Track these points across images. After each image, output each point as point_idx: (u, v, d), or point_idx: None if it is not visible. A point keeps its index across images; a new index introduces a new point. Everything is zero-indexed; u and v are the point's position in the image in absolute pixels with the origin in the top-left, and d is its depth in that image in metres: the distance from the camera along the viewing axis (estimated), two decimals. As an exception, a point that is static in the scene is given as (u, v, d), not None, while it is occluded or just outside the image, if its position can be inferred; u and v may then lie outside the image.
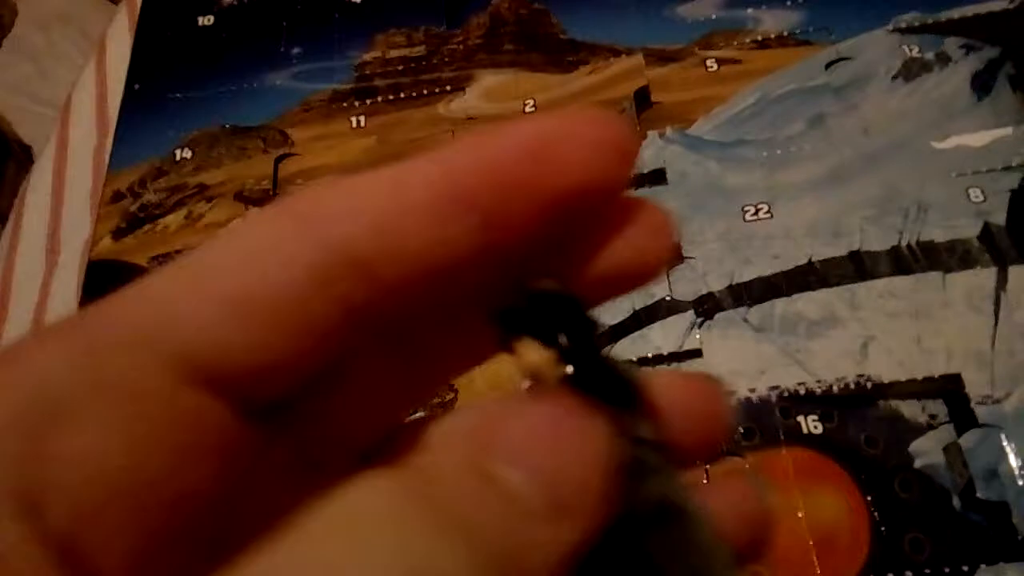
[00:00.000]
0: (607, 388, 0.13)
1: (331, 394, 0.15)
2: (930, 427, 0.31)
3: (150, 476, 0.12)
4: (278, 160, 0.41)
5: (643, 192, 0.37)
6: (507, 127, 0.13)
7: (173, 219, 0.41)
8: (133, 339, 0.12)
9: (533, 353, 0.13)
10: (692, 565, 0.13)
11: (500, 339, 0.13)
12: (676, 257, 0.35)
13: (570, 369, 0.12)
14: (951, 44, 0.39)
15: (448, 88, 0.42)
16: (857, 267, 0.34)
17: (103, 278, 0.40)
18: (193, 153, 0.42)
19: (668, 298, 0.34)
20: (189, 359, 0.12)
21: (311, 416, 0.15)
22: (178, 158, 0.42)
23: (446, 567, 0.11)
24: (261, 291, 0.13)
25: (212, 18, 0.46)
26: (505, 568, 0.11)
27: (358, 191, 0.14)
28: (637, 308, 0.34)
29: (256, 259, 0.13)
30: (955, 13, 0.39)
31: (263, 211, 0.14)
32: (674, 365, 0.33)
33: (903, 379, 0.31)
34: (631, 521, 0.12)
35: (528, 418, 0.12)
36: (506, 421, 0.12)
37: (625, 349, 0.33)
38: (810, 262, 0.34)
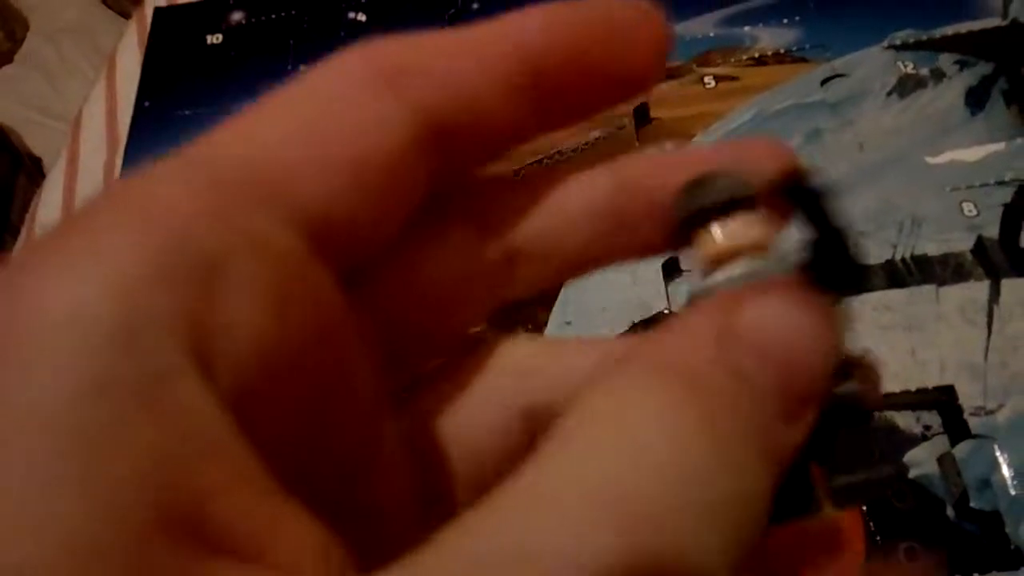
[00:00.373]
0: (838, 270, 0.12)
1: (406, 269, 0.14)
2: (924, 437, 0.31)
3: (296, 351, 0.11)
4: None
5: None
6: (576, 7, 0.14)
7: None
8: (262, 195, 0.11)
9: (729, 237, 0.12)
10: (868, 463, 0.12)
11: (681, 228, 0.13)
12: (676, 268, 0.36)
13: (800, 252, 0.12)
14: (945, 60, 0.40)
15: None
16: (852, 280, 0.34)
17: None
18: (202, 168, 0.43)
19: (666, 311, 0.35)
20: (311, 222, 0.12)
21: (390, 294, 0.14)
22: (187, 173, 0.43)
23: (718, 473, 0.10)
24: (365, 156, 0.12)
25: (220, 36, 0.47)
26: (759, 466, 0.11)
27: (444, 49, 0.13)
28: (636, 321, 0.35)
29: (355, 119, 0.12)
30: (949, 30, 0.40)
31: (347, 58, 0.13)
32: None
33: (897, 390, 0.32)
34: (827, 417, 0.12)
35: (770, 309, 0.11)
36: (747, 313, 0.11)
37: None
38: (806, 275, 0.35)
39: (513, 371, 0.15)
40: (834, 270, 0.12)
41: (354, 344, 0.13)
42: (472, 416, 0.15)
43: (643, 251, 0.15)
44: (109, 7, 1.22)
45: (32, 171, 1.04)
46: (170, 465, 0.09)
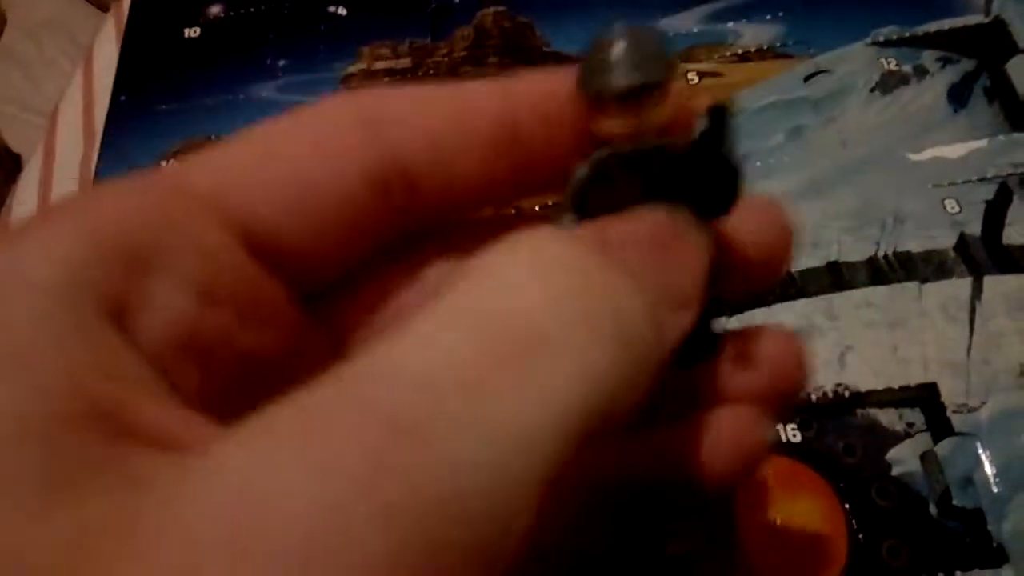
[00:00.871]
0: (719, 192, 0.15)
1: (366, 290, 0.16)
2: (907, 435, 0.31)
3: (218, 330, 0.13)
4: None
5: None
6: (560, 78, 0.15)
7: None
8: (203, 202, 0.13)
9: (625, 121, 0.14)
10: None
11: (591, 104, 0.14)
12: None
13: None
14: (928, 57, 0.40)
15: (433, 100, 0.43)
16: (835, 277, 0.34)
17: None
18: (179, 164, 0.43)
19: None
20: (251, 230, 0.14)
21: (347, 312, 0.16)
22: (164, 169, 0.43)
23: (630, 308, 0.12)
24: (322, 184, 0.14)
25: (198, 30, 0.46)
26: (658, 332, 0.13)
27: (423, 104, 0.15)
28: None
29: (321, 151, 0.14)
30: (932, 27, 0.40)
31: (332, 101, 0.15)
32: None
33: (880, 388, 0.32)
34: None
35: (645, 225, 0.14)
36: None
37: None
38: (789, 273, 0.34)
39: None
40: (715, 188, 0.14)
41: (308, 350, 0.15)
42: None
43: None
44: (88, 1, 1.21)
45: (11, 167, 1.03)
46: (95, 375, 0.11)
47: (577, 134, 0.15)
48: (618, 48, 0.14)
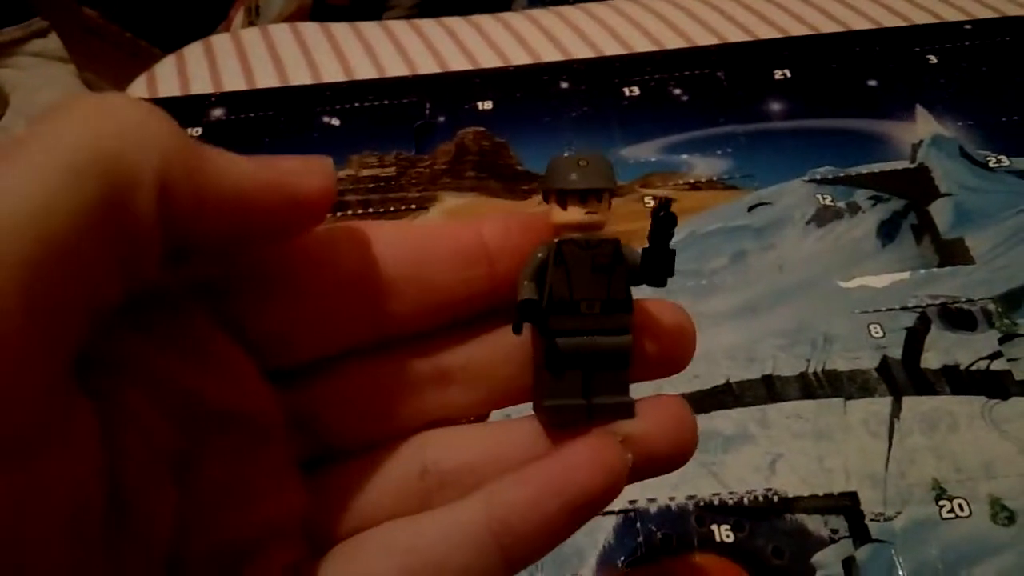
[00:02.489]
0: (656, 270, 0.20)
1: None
2: (832, 540, 0.33)
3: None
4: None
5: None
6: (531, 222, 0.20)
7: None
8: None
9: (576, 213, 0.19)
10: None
11: (555, 199, 0.19)
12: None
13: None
14: (861, 195, 0.44)
15: (413, 207, 0.46)
16: (769, 390, 0.37)
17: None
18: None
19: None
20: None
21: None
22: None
23: None
24: None
25: (200, 129, 0.50)
26: None
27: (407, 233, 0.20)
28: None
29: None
30: (864, 169, 0.45)
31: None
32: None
33: (807, 495, 0.34)
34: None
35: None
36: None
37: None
38: (727, 383, 0.37)
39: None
40: (656, 268, 0.19)
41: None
42: None
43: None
44: (91, 89, 1.25)
45: None
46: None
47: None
48: (575, 161, 0.19)
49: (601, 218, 0.19)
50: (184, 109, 0.51)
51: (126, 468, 0.15)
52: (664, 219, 0.19)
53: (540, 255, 0.19)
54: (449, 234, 0.20)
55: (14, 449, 0.13)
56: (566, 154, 0.19)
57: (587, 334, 0.19)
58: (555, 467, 0.19)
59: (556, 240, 0.19)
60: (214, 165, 0.16)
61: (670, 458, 0.20)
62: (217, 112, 0.51)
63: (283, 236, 0.18)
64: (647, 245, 0.19)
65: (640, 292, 0.20)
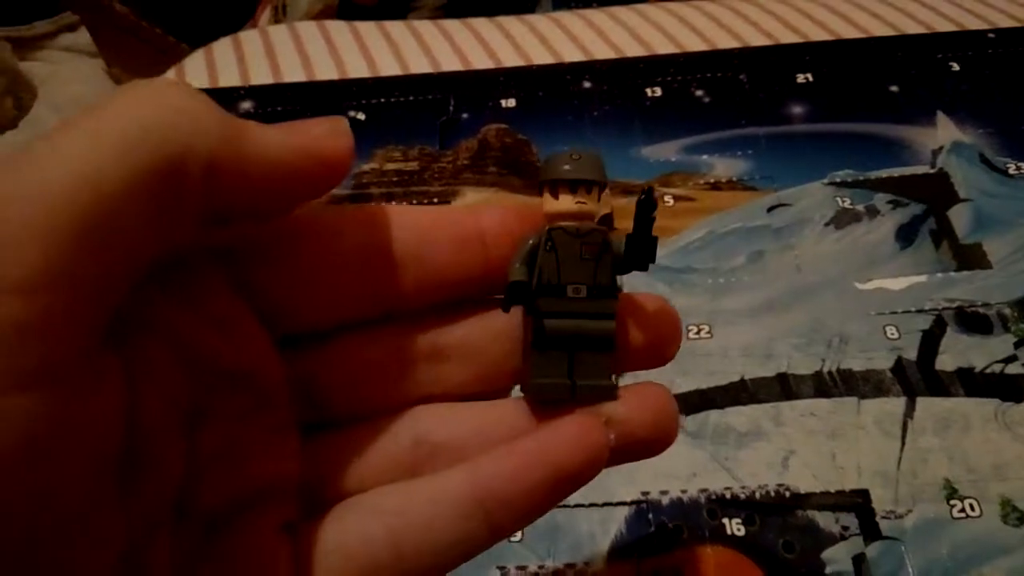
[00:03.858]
0: (639, 255, 0.21)
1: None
2: (842, 537, 0.34)
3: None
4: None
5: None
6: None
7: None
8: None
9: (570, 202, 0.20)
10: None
11: (548, 189, 0.21)
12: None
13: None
14: (880, 199, 0.44)
15: (436, 200, 0.47)
16: (783, 388, 0.38)
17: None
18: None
19: (614, 402, 0.37)
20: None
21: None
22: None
23: None
24: None
25: (229, 122, 0.51)
26: None
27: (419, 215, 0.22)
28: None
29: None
30: (883, 173, 0.45)
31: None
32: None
33: (818, 491, 0.35)
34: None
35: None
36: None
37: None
38: (742, 380, 0.38)
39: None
40: (639, 253, 0.21)
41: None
42: None
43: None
44: (119, 84, 1.27)
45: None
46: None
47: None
48: (569, 155, 0.21)
49: (591, 208, 0.20)
50: (215, 100, 0.52)
51: (143, 414, 0.17)
52: (644, 203, 0.20)
53: (532, 241, 0.20)
54: (449, 219, 0.21)
55: (60, 376, 0.14)
56: (562, 149, 0.21)
57: (573, 317, 0.20)
58: (539, 441, 0.20)
59: (548, 227, 0.20)
60: (254, 138, 0.17)
61: (650, 442, 0.21)
62: (245, 105, 0.52)
63: (313, 195, 0.19)
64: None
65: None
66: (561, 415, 0.20)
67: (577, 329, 0.20)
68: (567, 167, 0.20)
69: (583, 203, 0.20)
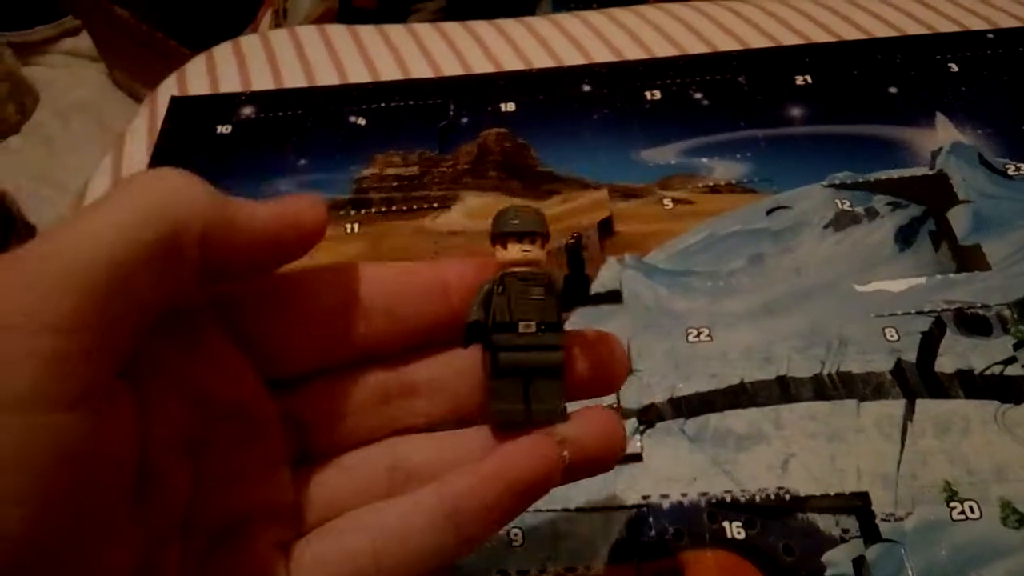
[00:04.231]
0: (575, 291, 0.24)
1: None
2: (842, 540, 0.34)
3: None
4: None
5: (600, 309, 0.41)
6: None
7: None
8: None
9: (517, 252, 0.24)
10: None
11: (498, 240, 0.24)
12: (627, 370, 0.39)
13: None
14: (879, 201, 0.44)
15: (436, 205, 0.47)
16: (783, 390, 0.38)
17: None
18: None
19: (615, 406, 0.38)
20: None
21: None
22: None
23: None
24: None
25: (230, 127, 0.51)
26: None
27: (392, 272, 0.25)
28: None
29: None
30: (882, 175, 0.45)
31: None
32: (615, 467, 0.36)
33: (818, 494, 0.35)
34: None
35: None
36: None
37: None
38: (742, 383, 0.38)
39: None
40: (574, 292, 0.24)
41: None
42: None
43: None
44: (120, 88, 1.28)
45: (25, 238, 1.07)
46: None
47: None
48: (515, 211, 0.24)
49: (535, 256, 0.24)
50: (215, 107, 0.52)
51: (153, 440, 0.20)
52: (573, 250, 0.25)
53: (487, 287, 0.24)
54: (416, 274, 0.24)
55: (93, 400, 0.18)
56: (508, 208, 0.24)
57: (525, 350, 0.23)
58: (499, 459, 0.22)
59: (501, 274, 0.24)
60: (240, 213, 0.21)
61: (600, 459, 0.24)
62: (247, 111, 0.52)
63: (292, 258, 0.22)
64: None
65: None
66: (519, 437, 0.23)
67: (529, 359, 0.23)
68: (514, 222, 0.24)
69: (528, 251, 0.24)
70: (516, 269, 0.24)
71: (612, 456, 0.24)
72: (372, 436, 0.24)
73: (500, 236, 0.24)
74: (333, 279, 0.24)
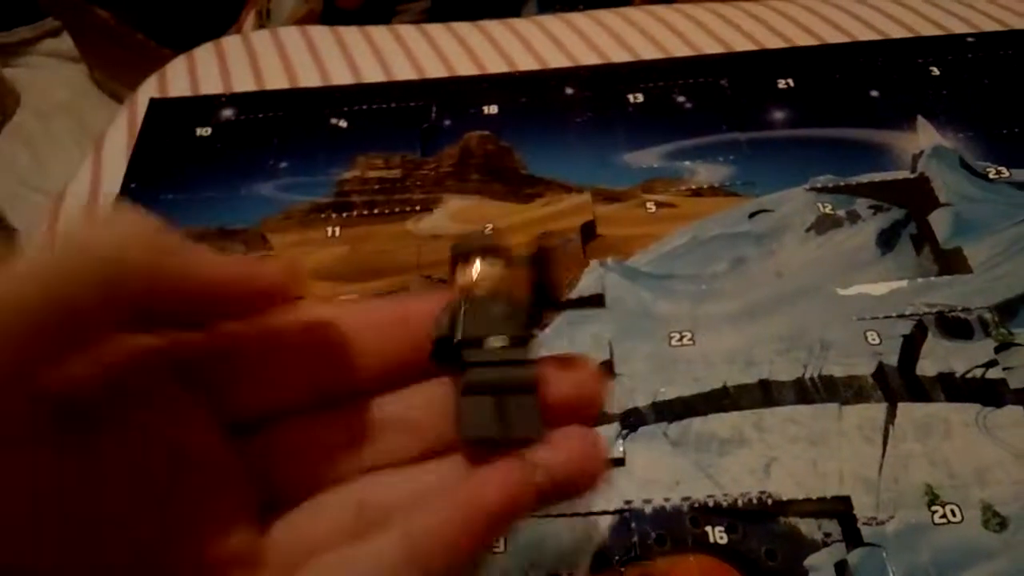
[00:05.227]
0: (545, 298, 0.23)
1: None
2: (825, 544, 0.34)
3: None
4: (256, 261, 0.45)
5: (583, 313, 0.41)
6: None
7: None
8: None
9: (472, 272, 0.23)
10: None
11: (455, 264, 0.24)
12: (608, 374, 0.39)
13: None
14: (861, 204, 0.44)
15: (418, 208, 0.47)
16: (765, 394, 0.38)
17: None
18: (178, 249, 0.46)
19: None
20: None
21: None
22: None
23: None
24: None
25: (210, 129, 0.51)
26: None
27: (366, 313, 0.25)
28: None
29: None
30: (864, 178, 0.45)
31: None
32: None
33: (800, 498, 0.35)
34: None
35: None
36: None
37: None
38: (724, 387, 0.38)
39: None
40: (544, 299, 0.23)
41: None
42: None
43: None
44: (101, 89, 1.27)
45: (5, 240, 1.06)
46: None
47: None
48: (469, 235, 0.24)
49: (497, 271, 0.24)
50: (195, 109, 0.52)
51: (111, 486, 0.20)
52: (538, 258, 0.23)
53: (451, 304, 0.23)
54: (377, 311, 0.24)
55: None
56: (463, 241, 0.24)
57: (494, 365, 0.22)
58: (467, 490, 0.21)
59: (464, 292, 0.23)
60: (188, 261, 0.20)
61: (577, 484, 0.22)
62: (227, 112, 0.52)
63: (250, 313, 0.22)
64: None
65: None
66: (491, 461, 0.22)
67: (500, 375, 0.22)
68: (474, 239, 0.24)
69: (491, 265, 0.23)
70: (480, 284, 0.23)
71: (590, 482, 0.23)
72: (343, 477, 0.24)
73: (463, 256, 0.24)
74: (290, 324, 0.24)
